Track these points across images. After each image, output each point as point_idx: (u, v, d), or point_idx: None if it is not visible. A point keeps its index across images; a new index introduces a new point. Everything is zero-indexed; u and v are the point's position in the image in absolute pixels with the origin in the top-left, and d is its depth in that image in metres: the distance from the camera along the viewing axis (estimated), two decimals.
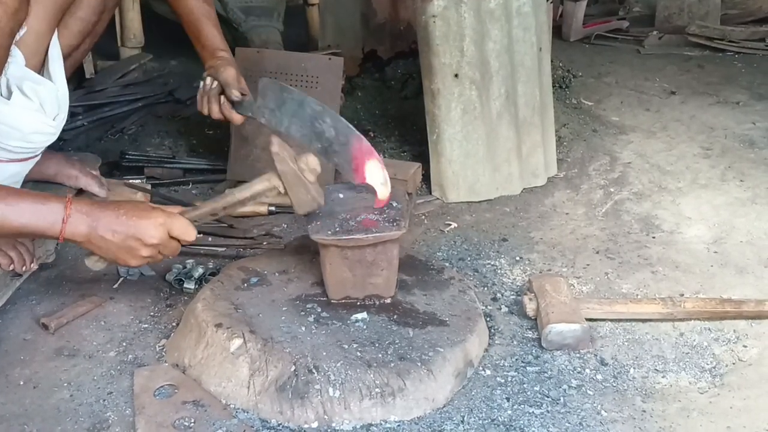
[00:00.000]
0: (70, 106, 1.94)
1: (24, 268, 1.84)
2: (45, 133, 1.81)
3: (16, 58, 1.73)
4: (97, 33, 2.04)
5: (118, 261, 1.60)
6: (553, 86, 2.93)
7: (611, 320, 1.87)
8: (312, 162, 1.65)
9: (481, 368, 1.69)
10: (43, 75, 1.82)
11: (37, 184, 2.07)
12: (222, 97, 1.97)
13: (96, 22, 1.98)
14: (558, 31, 4.37)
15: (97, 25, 2.00)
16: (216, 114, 1.98)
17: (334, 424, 1.50)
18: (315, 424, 1.50)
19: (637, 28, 4.59)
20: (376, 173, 1.70)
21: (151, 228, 1.56)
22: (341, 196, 1.80)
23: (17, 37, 1.70)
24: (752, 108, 3.35)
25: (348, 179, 1.71)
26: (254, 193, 1.68)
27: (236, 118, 1.98)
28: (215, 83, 1.98)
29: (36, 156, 1.93)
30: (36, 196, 1.54)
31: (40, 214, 1.50)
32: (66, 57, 1.89)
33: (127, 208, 1.58)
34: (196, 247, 2.17)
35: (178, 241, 1.62)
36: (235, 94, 1.94)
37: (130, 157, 2.62)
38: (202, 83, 2.00)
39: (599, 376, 1.69)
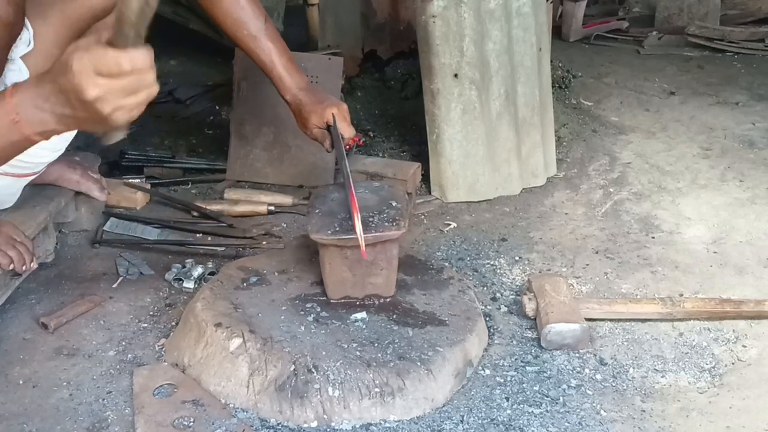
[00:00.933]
0: None
1: (24, 267, 1.83)
2: (40, 146, 1.78)
3: (19, 67, 1.72)
4: None
5: (103, 128, 1.30)
6: (553, 86, 2.93)
7: (610, 320, 1.87)
8: None
9: (480, 368, 1.69)
10: None
11: (36, 185, 2.06)
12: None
13: None
14: (558, 31, 4.37)
15: None
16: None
17: (333, 424, 1.50)
18: (314, 424, 1.50)
19: (636, 29, 4.59)
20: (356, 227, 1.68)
21: (78, 82, 1.21)
22: (339, 195, 1.80)
23: (21, 52, 1.69)
24: (752, 108, 3.36)
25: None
26: None
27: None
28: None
29: (34, 174, 1.91)
30: None
31: None
32: None
33: (48, 78, 1.25)
34: (196, 246, 2.17)
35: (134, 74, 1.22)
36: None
37: (130, 156, 2.62)
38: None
39: (598, 376, 1.69)
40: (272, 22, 2.00)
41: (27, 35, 1.69)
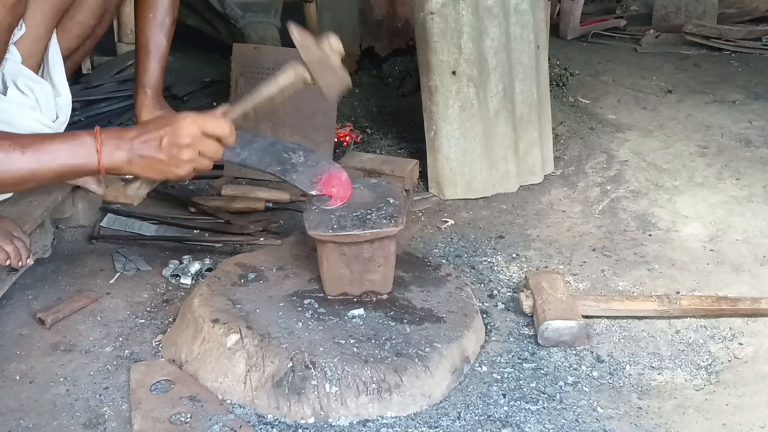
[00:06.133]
0: None
1: (20, 263, 1.83)
2: (42, 133, 1.79)
3: (13, 55, 1.72)
4: (98, 35, 2.02)
5: (165, 175, 1.55)
6: (551, 84, 2.94)
7: (607, 317, 1.87)
8: (335, 43, 1.59)
9: (477, 364, 1.69)
10: (42, 77, 1.81)
11: None
12: None
13: (96, 25, 1.96)
14: (555, 29, 4.38)
15: (97, 28, 1.98)
16: None
17: (330, 420, 1.50)
18: (311, 420, 1.50)
19: (634, 27, 4.60)
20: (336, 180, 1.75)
21: (181, 127, 1.50)
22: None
23: (16, 37, 1.69)
24: (748, 107, 3.36)
25: (304, 190, 1.77)
26: (282, 87, 1.61)
27: None
28: None
29: None
30: (64, 136, 1.52)
31: (74, 151, 1.48)
32: (65, 59, 1.87)
33: (155, 120, 1.56)
34: (193, 242, 2.17)
35: (218, 141, 1.55)
36: None
37: None
38: None
39: (595, 373, 1.69)
40: (173, 29, 2.00)
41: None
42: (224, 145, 1.56)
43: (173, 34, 2.01)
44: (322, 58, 1.57)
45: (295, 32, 1.56)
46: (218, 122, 1.55)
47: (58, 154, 1.48)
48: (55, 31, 1.81)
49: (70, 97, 1.86)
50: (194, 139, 1.51)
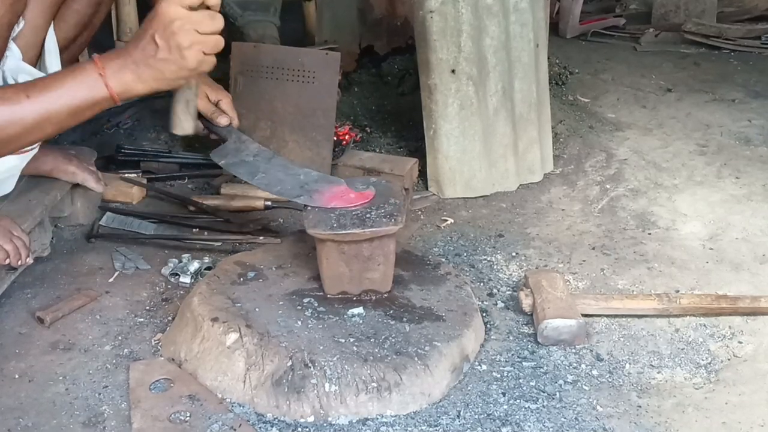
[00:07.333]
0: None
1: (19, 261, 1.83)
2: None
3: (13, 52, 1.72)
4: (95, 25, 2.02)
5: (179, 74, 1.47)
6: (550, 83, 2.94)
7: (607, 316, 1.87)
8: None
9: (477, 363, 1.69)
10: (39, 69, 1.81)
11: (32, 179, 2.06)
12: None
13: (93, 14, 1.97)
14: (555, 27, 4.38)
15: (94, 17, 1.99)
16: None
17: (330, 419, 1.50)
18: (311, 419, 1.50)
19: (633, 26, 4.60)
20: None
21: (163, 15, 1.41)
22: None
23: (15, 31, 1.69)
24: (748, 105, 3.36)
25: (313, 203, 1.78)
26: None
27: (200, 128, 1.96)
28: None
29: (33, 149, 1.92)
30: (65, 70, 1.48)
31: (78, 82, 1.44)
32: (63, 50, 1.88)
33: (140, 28, 1.47)
34: (192, 241, 2.17)
35: (207, 8, 1.45)
36: (222, 122, 1.96)
37: (126, 151, 2.61)
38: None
39: (595, 372, 1.69)
40: None
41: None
42: (213, 8, 1.45)
43: None
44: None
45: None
46: None
47: (63, 89, 1.43)
48: (52, 21, 1.82)
49: None
50: (183, 19, 1.42)
